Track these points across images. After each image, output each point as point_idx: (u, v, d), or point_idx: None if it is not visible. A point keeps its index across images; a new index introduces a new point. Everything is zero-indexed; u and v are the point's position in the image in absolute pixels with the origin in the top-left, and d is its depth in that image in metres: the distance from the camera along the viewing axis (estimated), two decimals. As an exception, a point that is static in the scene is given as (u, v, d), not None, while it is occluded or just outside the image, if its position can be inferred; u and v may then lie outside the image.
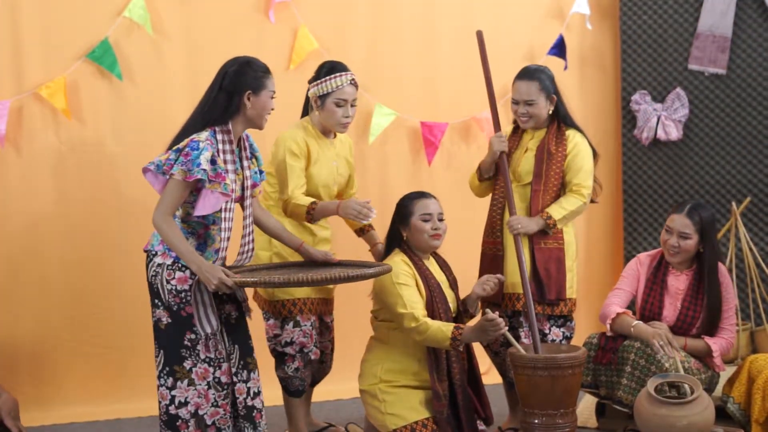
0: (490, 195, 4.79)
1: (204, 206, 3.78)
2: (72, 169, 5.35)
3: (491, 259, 4.68)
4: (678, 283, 4.68)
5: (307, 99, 4.57)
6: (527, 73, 4.70)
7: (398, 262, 4.29)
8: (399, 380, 4.28)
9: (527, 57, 6.19)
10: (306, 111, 4.61)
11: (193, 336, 3.82)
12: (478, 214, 4.93)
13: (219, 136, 3.82)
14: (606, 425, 4.78)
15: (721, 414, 4.42)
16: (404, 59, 6.01)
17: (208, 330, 3.80)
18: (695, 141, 6.20)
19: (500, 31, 5.96)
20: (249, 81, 3.85)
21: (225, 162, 3.81)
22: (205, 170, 3.71)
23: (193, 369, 3.83)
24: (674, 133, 6.16)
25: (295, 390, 4.59)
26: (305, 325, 4.50)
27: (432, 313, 4.24)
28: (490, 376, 5.56)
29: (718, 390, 4.64)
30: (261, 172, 4.12)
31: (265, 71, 3.90)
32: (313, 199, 4.37)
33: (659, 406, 4.13)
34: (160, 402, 3.86)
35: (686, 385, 4.20)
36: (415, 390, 4.28)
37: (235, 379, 3.92)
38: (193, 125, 3.85)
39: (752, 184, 6.08)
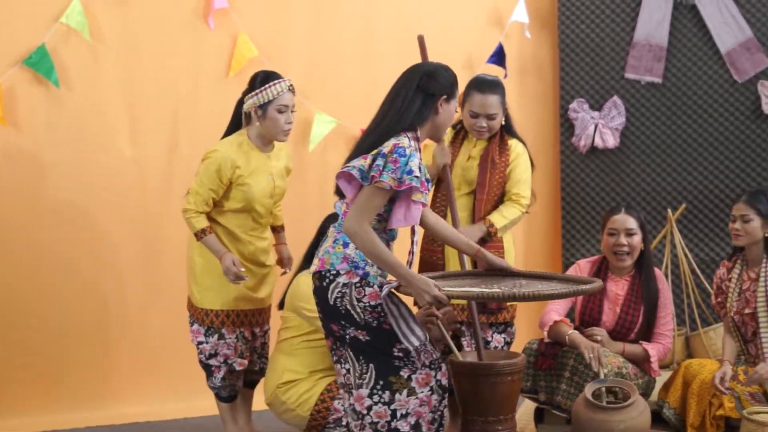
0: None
1: (405, 218, 3.48)
2: (7, 176, 5.27)
3: (431, 267, 4.67)
4: (617, 288, 4.72)
5: (239, 112, 4.53)
6: (491, 86, 4.55)
7: None
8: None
9: (467, 65, 6.23)
10: (237, 125, 4.55)
11: (403, 346, 3.55)
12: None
13: (412, 143, 3.50)
14: (544, 431, 4.81)
15: (657, 419, 4.47)
16: (344, 66, 6.01)
17: (416, 343, 3.55)
18: (632, 148, 6.28)
19: (440, 38, 5.96)
20: (446, 86, 3.58)
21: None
22: (417, 177, 3.40)
23: (413, 377, 3.56)
24: (611, 140, 6.24)
25: (228, 396, 4.65)
26: (230, 338, 4.53)
27: None
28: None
29: (654, 395, 4.70)
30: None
31: (456, 80, 3.63)
32: (205, 226, 4.38)
33: (596, 410, 4.16)
34: (377, 421, 3.56)
35: (623, 390, 4.25)
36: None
37: None
38: (390, 127, 3.51)
39: (687, 191, 6.18)
